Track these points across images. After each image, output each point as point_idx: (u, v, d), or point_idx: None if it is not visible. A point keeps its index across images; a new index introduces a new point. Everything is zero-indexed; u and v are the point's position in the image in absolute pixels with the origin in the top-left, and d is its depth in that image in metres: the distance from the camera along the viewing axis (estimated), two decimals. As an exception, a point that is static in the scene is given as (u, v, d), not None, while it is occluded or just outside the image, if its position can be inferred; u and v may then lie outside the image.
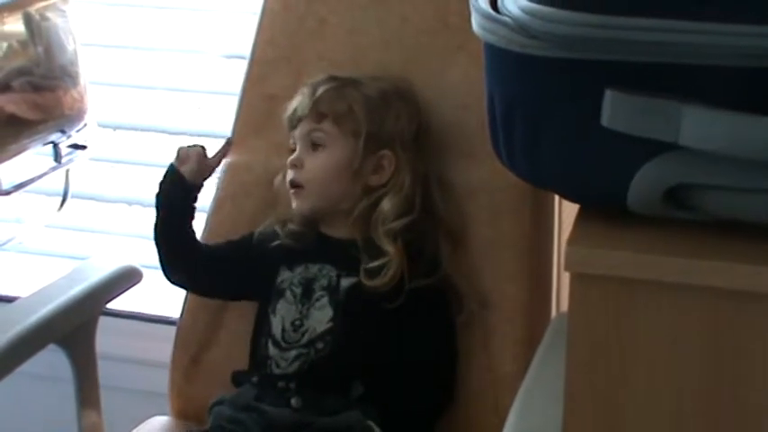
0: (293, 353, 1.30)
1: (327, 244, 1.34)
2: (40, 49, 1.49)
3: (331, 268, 1.32)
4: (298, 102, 1.33)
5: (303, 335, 1.30)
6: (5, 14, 1.46)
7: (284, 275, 1.34)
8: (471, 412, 1.33)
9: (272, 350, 1.31)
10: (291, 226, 1.35)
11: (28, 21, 1.48)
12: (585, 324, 0.83)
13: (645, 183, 0.80)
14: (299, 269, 1.33)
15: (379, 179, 1.31)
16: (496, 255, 1.35)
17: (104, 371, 1.44)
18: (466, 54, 1.37)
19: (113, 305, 1.46)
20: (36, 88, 1.48)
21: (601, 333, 0.83)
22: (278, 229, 1.35)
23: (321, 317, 1.30)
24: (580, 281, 0.82)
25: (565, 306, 1.38)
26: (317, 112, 1.31)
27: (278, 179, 1.38)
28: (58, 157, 1.55)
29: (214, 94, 1.86)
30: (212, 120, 1.85)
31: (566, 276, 1.35)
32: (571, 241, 0.82)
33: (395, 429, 1.26)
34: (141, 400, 1.50)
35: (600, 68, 0.78)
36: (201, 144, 1.40)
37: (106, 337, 1.44)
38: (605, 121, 0.78)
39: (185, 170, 1.36)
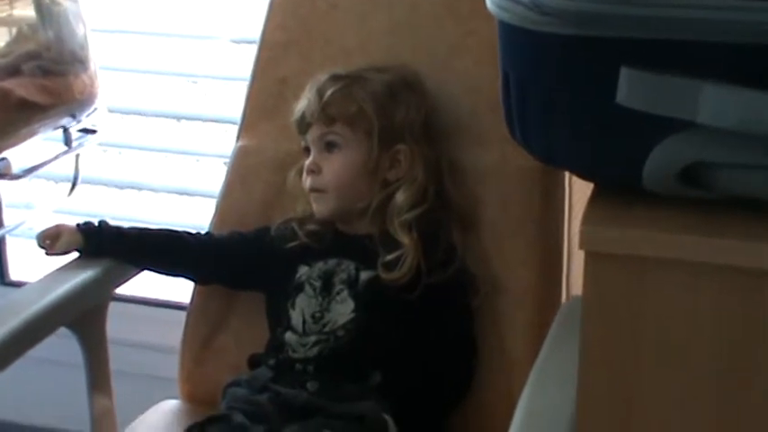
0: (312, 338, 1.30)
1: (345, 240, 1.34)
2: (50, 33, 1.48)
3: (350, 262, 1.32)
4: (305, 106, 1.33)
5: (324, 326, 1.30)
6: (16, -1, 1.46)
7: (302, 271, 1.34)
8: (483, 396, 1.33)
9: (289, 337, 1.31)
10: (310, 226, 1.35)
11: (38, 5, 1.47)
12: (600, 303, 0.83)
13: (661, 161, 0.79)
14: (318, 264, 1.33)
15: (397, 173, 1.32)
16: (507, 239, 1.35)
17: (114, 356, 1.44)
18: (475, 39, 1.37)
19: (123, 290, 1.46)
20: (46, 73, 1.48)
21: (615, 312, 0.83)
22: (296, 228, 1.35)
23: (343, 309, 1.30)
24: (594, 260, 0.82)
25: (575, 290, 1.39)
26: (327, 115, 1.31)
27: (290, 178, 1.38)
28: (68, 141, 1.55)
29: (224, 79, 1.85)
30: (222, 104, 1.85)
31: (576, 260, 1.36)
32: (586, 220, 0.82)
33: (410, 420, 1.26)
34: (151, 384, 1.50)
35: (615, 46, 0.78)
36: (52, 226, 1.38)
37: (116, 322, 1.44)
38: (621, 98, 0.78)
39: (62, 245, 1.36)
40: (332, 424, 1.21)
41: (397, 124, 1.31)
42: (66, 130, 1.54)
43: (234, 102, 1.55)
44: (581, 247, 0.82)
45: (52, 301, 1.30)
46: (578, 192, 1.35)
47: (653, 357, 0.83)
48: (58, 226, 1.37)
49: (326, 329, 1.30)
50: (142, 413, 1.42)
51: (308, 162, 1.33)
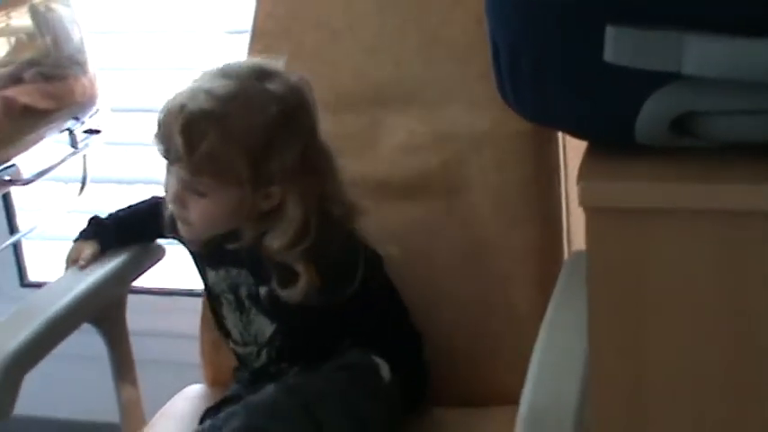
0: (255, 348, 1.32)
1: (234, 251, 1.27)
2: (47, 39, 1.51)
3: (247, 274, 1.28)
4: (165, 135, 1.20)
5: (256, 337, 1.31)
6: (11, 9, 1.49)
7: (212, 278, 1.33)
8: (494, 354, 1.37)
9: (237, 349, 1.34)
10: None
11: (34, 13, 1.50)
12: (604, 258, 0.84)
13: (652, 114, 0.80)
14: (222, 272, 1.31)
15: (270, 203, 1.22)
16: (506, 202, 1.38)
17: (138, 346, 1.47)
18: (463, 9, 1.39)
19: (140, 283, 1.49)
20: (47, 78, 1.51)
21: (620, 265, 0.84)
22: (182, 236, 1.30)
23: (261, 323, 1.30)
24: (595, 215, 0.82)
25: (576, 246, 1.41)
26: (194, 168, 1.19)
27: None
28: (74, 143, 1.58)
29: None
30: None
31: (575, 217, 1.38)
32: (583, 176, 0.83)
33: (395, 362, 1.29)
34: (176, 371, 1.53)
35: (600, 4, 0.79)
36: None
37: (137, 314, 1.47)
38: (608, 56, 0.79)
39: (90, 258, 1.39)
40: (331, 376, 1.24)
41: (270, 171, 1.20)
42: (71, 132, 1.57)
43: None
44: (581, 204, 0.82)
45: (74, 300, 1.33)
46: (572, 150, 1.38)
47: (661, 307, 0.84)
48: (73, 249, 1.41)
49: (261, 340, 1.31)
50: (168, 400, 1.45)
51: (172, 192, 1.22)
